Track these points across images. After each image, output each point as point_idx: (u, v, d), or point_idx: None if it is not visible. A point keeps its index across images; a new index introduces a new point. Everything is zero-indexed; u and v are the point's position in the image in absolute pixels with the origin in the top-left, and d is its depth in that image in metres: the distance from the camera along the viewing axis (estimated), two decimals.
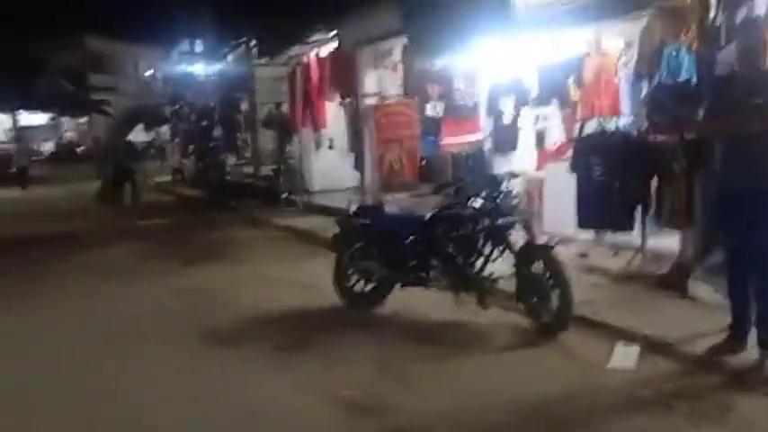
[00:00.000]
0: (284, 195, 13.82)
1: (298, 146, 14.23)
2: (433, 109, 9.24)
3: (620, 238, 7.02)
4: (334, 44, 11.71)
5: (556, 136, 9.47)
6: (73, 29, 39.21)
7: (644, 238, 6.62)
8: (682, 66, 5.56)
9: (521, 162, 9.43)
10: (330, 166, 14.11)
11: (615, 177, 6.36)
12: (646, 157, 6.05)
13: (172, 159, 25.92)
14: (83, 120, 41.22)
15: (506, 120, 9.25)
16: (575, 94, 8.49)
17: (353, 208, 6.67)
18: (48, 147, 38.01)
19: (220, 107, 18.17)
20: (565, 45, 8.27)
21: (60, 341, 6.02)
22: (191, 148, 23.25)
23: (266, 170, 16.82)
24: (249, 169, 17.10)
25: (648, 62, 5.69)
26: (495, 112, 9.21)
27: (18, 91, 35.83)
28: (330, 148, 13.69)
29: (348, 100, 13.07)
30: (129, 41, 42.40)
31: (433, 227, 6.00)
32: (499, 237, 5.71)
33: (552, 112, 9.31)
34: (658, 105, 5.72)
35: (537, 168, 9.54)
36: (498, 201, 5.75)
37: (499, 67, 9.02)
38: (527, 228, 5.77)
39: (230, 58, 18.03)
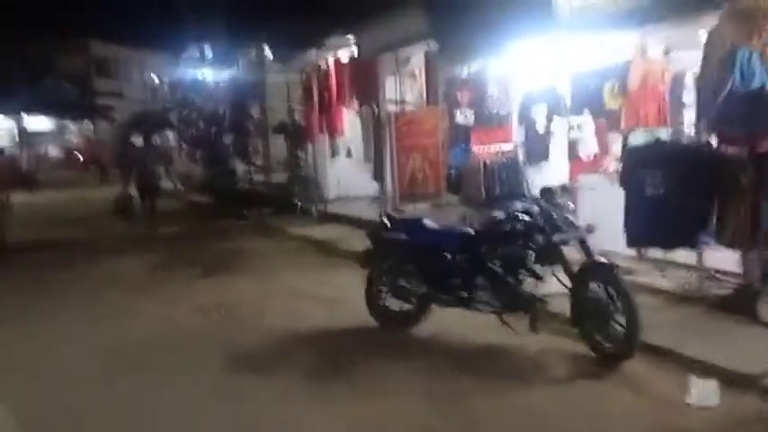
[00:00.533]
0: (298, 204, 13.34)
1: (312, 153, 13.73)
2: (463, 116, 8.74)
3: (667, 255, 6.55)
4: (354, 49, 11.23)
5: (589, 146, 9.00)
6: (78, 33, 38.76)
7: (700, 256, 6.12)
8: (755, 72, 5.07)
9: (553, 173, 9.00)
10: (346, 174, 13.64)
11: (675, 192, 5.86)
12: (711, 171, 5.55)
13: (179, 165, 25.48)
14: (88, 125, 40.75)
15: (539, 129, 8.78)
16: (611, 102, 8.02)
17: (387, 221, 6.15)
18: (53, 152, 37.44)
19: (231, 113, 17.68)
20: (604, 50, 7.81)
21: (63, 368, 5.46)
22: (198, 153, 22.88)
23: (278, 178, 16.40)
24: (260, 177, 16.64)
25: (718, 68, 5.20)
26: (527, 121, 8.73)
27: (22, 95, 35.44)
28: (348, 155, 13.20)
29: (365, 107, 12.68)
30: (135, 46, 41.95)
31: (480, 243, 5.51)
32: (554, 254, 5.21)
33: (585, 121, 8.84)
34: (729, 115, 5.22)
35: (570, 180, 9.08)
36: (553, 215, 5.24)
37: (533, 73, 8.54)
38: (583, 245, 5.27)
39: (241, 63, 17.57)
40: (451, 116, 8.99)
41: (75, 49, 40.41)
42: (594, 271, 5.03)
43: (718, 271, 6.17)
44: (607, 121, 8.24)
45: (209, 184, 18.16)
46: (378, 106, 10.86)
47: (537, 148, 8.74)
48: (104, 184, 23.88)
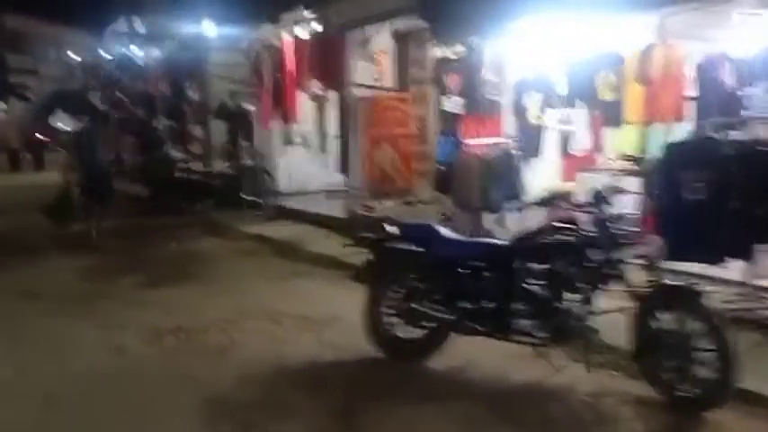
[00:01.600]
0: (245, 198, 11.95)
1: (261, 141, 12.36)
2: (451, 103, 7.65)
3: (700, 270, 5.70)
4: (316, 26, 9.93)
5: (581, 141, 8.13)
6: None
7: (750, 269, 5.29)
8: None
9: (547, 170, 8.08)
10: (299, 165, 12.33)
11: (727, 196, 4.98)
12: None
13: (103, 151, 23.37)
14: (2, 105, 37.37)
15: (531, 120, 7.82)
16: (605, 93, 7.17)
17: (393, 228, 5.00)
18: None
19: (165, 95, 16.00)
20: (611, 35, 6.90)
21: None
22: (127, 138, 20.93)
23: (219, 167, 14.90)
24: (198, 166, 15.08)
25: None
26: (519, 111, 7.76)
27: None
28: (306, 145, 11.92)
29: (323, 91, 11.42)
30: (52, 21, 38.83)
31: (515, 257, 4.46)
32: (611, 274, 4.21)
33: (578, 113, 7.95)
34: None
35: (563, 178, 8.20)
36: (608, 224, 4.24)
37: (529, 57, 7.56)
38: (649, 262, 4.30)
39: (178, 39, 15.88)
40: (437, 102, 7.88)
41: None
42: (670, 296, 4.06)
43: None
44: (603, 114, 7.42)
45: (141, 172, 16.43)
46: (344, 90, 9.62)
47: (530, 142, 7.78)
48: (14, 171, 21.58)
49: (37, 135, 24.50)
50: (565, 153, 8.26)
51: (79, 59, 40.77)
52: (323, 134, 12.46)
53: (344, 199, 10.54)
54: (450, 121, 7.67)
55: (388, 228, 5.00)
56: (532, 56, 7.55)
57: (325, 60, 9.79)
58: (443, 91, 7.76)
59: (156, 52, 18.66)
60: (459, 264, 4.63)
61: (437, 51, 7.84)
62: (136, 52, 19.24)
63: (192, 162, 15.18)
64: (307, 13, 9.87)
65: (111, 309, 6.30)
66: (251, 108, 14.48)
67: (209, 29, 14.31)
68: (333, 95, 11.19)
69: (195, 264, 8.16)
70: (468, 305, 4.58)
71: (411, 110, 9.69)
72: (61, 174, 10.60)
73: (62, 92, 37.14)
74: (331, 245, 8.70)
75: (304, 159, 12.31)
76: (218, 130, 15.45)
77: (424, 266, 4.76)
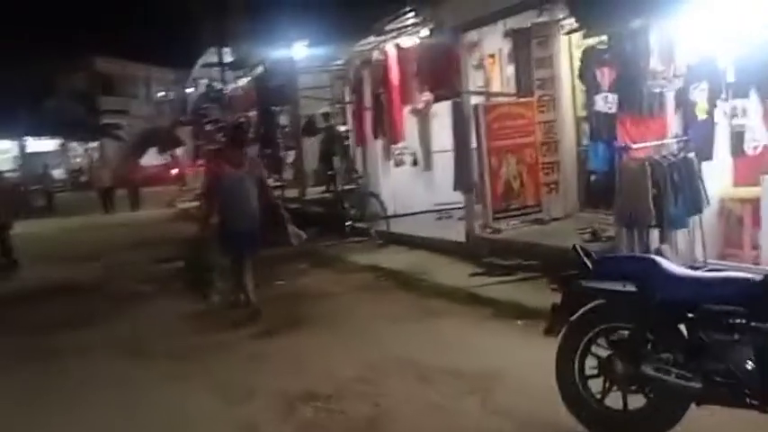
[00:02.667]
0: (349, 223, 10.96)
1: (364, 162, 11.37)
2: (605, 102, 6.33)
3: None
4: (426, 31, 8.85)
5: (757, 137, 6.62)
6: (82, 50, 36.53)
7: None
8: None
9: (718, 174, 6.62)
10: (402, 185, 11.23)
11: None
12: None
13: (194, 183, 23.12)
14: (93, 145, 38.47)
15: (699, 116, 6.41)
16: None
17: (587, 260, 3.74)
18: (57, 174, 34.86)
19: (258, 122, 15.32)
20: None
21: None
22: None
23: (314, 193, 14.04)
24: (292, 193, 14.27)
25: None
26: (686, 107, 6.36)
27: (26, 116, 33.19)
28: (414, 164, 10.85)
29: (424, 106, 10.35)
30: (140, 62, 39.81)
31: None
32: None
33: (752, 104, 6.46)
34: None
35: (736, 182, 6.73)
36: None
37: (698, 40, 6.17)
38: None
39: (268, 65, 15.23)
40: (590, 102, 6.57)
41: (78, 67, 38.19)
42: None
43: None
44: None
45: None
46: (458, 98, 8.46)
47: (702, 142, 6.36)
48: (108, 210, 21.46)
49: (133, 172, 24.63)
50: (738, 152, 6.79)
51: (167, 96, 41.75)
52: (426, 150, 11.38)
53: (459, 219, 9.38)
54: (603, 122, 6.35)
55: (584, 259, 3.74)
56: (700, 39, 6.18)
57: (437, 68, 8.67)
58: (595, 89, 6.45)
59: (244, 80, 18.20)
60: (695, 308, 3.33)
61: (582, 43, 6.56)
62: (224, 83, 18.86)
63: (286, 189, 14.42)
64: (416, 19, 8.81)
65: (231, 367, 5.29)
66: (343, 128, 13.65)
67: (298, 51, 13.56)
68: (439, 107, 10.13)
69: (310, 304, 7.11)
70: (717, 366, 3.26)
71: (536, 116, 8.47)
72: (197, 226, 7.48)
73: (152, 130, 37.97)
74: (457, 274, 7.53)
75: (408, 178, 11.23)
76: (311, 153, 14.69)
77: (642, 312, 3.48)
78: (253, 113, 16.99)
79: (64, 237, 15.27)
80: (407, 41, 9.27)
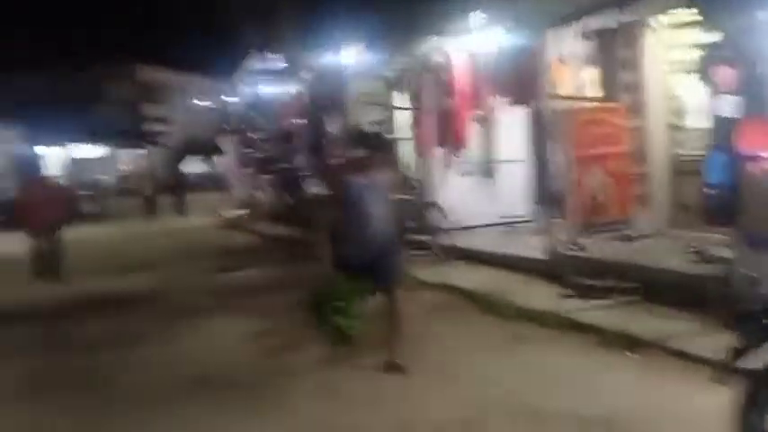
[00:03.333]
0: (412, 237, 10.32)
1: (422, 172, 10.73)
2: (725, 105, 5.58)
3: None
4: (500, 31, 8.20)
5: None
6: (127, 58, 36.74)
7: None
8: None
9: None
10: (465, 197, 10.56)
11: None
12: None
13: (239, 191, 22.77)
14: (140, 152, 38.56)
15: None
16: None
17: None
18: (104, 180, 34.90)
19: (307, 131, 14.82)
20: None
21: None
22: (264, 179, 20.13)
23: None
24: None
25: None
26: None
27: (73, 122, 33.39)
28: (473, 173, 10.23)
29: (487, 113, 9.72)
30: (182, 70, 39.85)
31: None
32: None
33: None
34: None
35: None
36: None
37: None
38: None
39: (316, 70, 14.74)
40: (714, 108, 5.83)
41: (123, 74, 38.41)
42: None
43: None
44: None
45: (286, 212, 15.32)
46: (537, 104, 7.81)
47: None
48: (150, 216, 21.24)
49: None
50: None
51: (208, 104, 41.74)
52: (490, 160, 10.74)
53: (529, 233, 8.71)
54: (724, 130, 5.60)
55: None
56: None
57: (514, 71, 8.04)
58: (713, 90, 5.72)
59: (292, 87, 17.74)
60: None
61: (698, 38, 5.85)
62: (269, 89, 18.41)
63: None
64: (486, 18, 8.18)
65: (304, 401, 4.70)
66: (395, 137, 13.07)
67: (351, 56, 13.03)
68: (505, 114, 9.50)
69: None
70: None
71: (624, 123, 7.76)
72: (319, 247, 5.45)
73: (193, 138, 37.96)
74: (542, 296, 6.85)
75: (471, 189, 10.59)
76: None
77: None
78: (300, 122, 16.55)
79: (113, 244, 14.98)
80: (476, 42, 8.63)
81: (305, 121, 14.90)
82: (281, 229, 14.38)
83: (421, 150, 10.30)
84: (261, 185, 19.10)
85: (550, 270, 7.45)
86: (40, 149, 28.66)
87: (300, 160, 16.24)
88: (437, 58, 9.64)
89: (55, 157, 33.51)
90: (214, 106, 41.01)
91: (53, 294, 9.29)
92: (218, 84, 36.88)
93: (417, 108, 10.30)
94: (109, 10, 40.29)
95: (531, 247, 8.14)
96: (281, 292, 8.09)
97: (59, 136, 33.13)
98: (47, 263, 10.40)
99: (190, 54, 37.18)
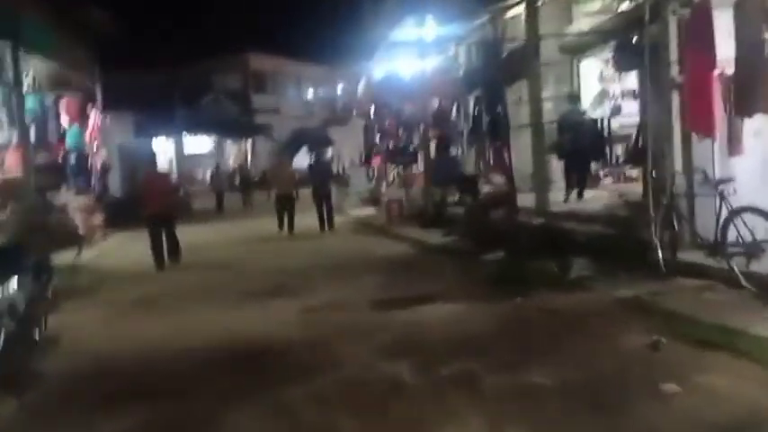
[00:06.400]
0: (659, 253, 6.86)
1: (690, 160, 7.19)
2: None
3: None
4: None
5: None
6: (235, 47, 34.78)
7: None
8: None
9: None
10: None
11: None
12: None
13: (362, 186, 19.87)
14: (247, 144, 36.67)
15: None
16: None
17: None
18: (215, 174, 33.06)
19: (481, 107, 11.50)
20: None
21: None
22: (396, 171, 17.08)
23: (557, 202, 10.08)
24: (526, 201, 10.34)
25: None
26: None
27: (183, 114, 31.76)
28: None
29: None
30: (294, 58, 37.60)
31: None
32: None
33: None
34: None
35: None
36: None
37: None
38: None
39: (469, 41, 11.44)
40: None
41: (232, 64, 36.59)
42: None
43: None
44: None
45: (437, 215, 12.12)
46: None
47: None
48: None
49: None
50: None
51: (319, 93, 39.30)
52: None
53: None
54: None
55: None
56: None
57: None
58: None
59: (434, 61, 14.54)
60: None
61: None
62: (411, 65, 15.25)
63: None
64: None
65: None
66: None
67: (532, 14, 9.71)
68: None
69: None
70: None
71: None
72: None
73: (304, 129, 35.56)
74: None
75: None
76: (522, 152, 10.79)
77: None
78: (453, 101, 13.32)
79: (234, 252, 12.19)
80: None
81: (480, 94, 11.58)
82: (431, 236, 11.17)
83: (697, 126, 6.73)
84: (398, 180, 16.06)
85: None
86: (152, 143, 27.04)
87: (457, 150, 13.03)
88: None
89: (166, 151, 32.00)
90: (323, 95, 38.66)
91: (161, 342, 6.35)
92: (327, 72, 34.45)
93: (693, 63, 6.74)
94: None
95: None
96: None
97: (170, 130, 31.56)
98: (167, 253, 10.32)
99: (299, 41, 34.95)
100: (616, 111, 11.41)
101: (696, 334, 4.92)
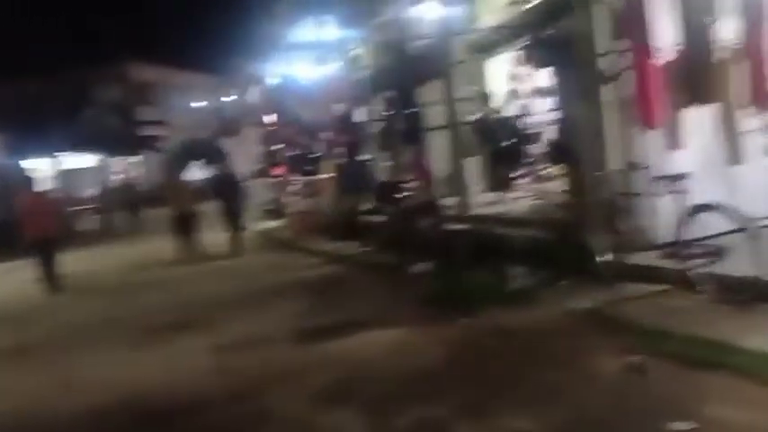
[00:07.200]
0: (598, 259, 6.32)
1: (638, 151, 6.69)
2: None
3: None
4: None
5: None
6: (114, 57, 32.34)
7: None
8: None
9: None
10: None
11: None
12: None
13: (264, 198, 18.61)
14: (134, 159, 34.18)
15: None
16: None
17: None
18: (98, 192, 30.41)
19: (396, 111, 10.71)
20: None
21: None
22: (302, 181, 16.00)
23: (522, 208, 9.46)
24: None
25: None
26: None
27: (59, 130, 28.96)
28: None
29: None
30: (177, 68, 35.52)
31: None
32: None
33: None
34: None
35: None
36: None
37: None
38: None
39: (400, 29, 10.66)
40: None
41: (111, 76, 34.01)
42: None
43: None
44: None
45: (351, 226, 11.18)
46: None
47: None
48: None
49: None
50: None
51: (208, 104, 37.36)
52: None
53: None
54: None
55: None
56: None
57: None
58: None
59: (333, 65, 13.69)
60: None
61: None
62: (310, 68, 14.29)
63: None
64: None
65: None
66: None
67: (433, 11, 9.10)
68: None
69: None
70: None
71: None
72: None
73: (195, 141, 33.60)
74: None
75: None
76: (438, 154, 10.20)
77: None
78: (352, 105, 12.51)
79: (127, 279, 10.72)
80: None
81: (393, 96, 10.78)
82: (354, 249, 10.25)
83: (647, 118, 6.21)
84: (302, 190, 14.99)
85: None
86: (26, 162, 24.29)
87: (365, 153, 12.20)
88: None
89: (43, 170, 29.02)
90: (212, 105, 36.75)
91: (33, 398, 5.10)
92: (215, 81, 32.78)
93: (638, 51, 6.22)
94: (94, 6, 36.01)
95: None
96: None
97: (45, 146, 28.67)
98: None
99: (183, 50, 33.02)
100: (525, 110, 11.06)
101: (682, 351, 4.29)
